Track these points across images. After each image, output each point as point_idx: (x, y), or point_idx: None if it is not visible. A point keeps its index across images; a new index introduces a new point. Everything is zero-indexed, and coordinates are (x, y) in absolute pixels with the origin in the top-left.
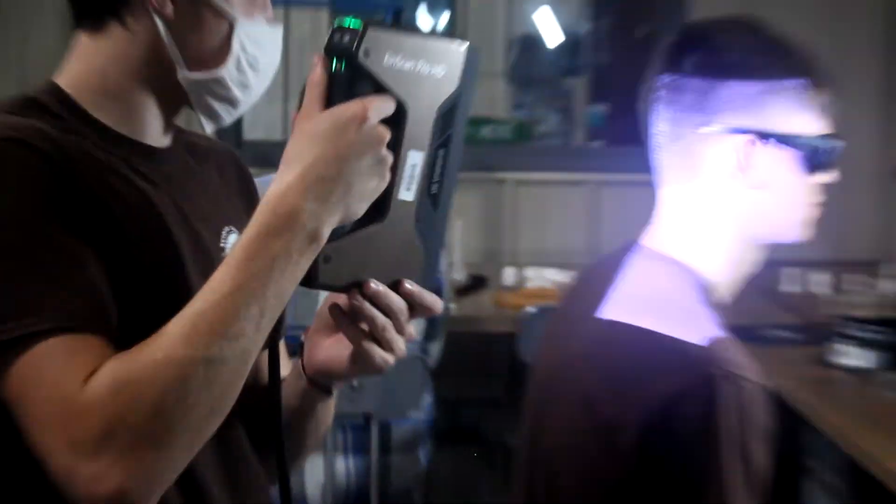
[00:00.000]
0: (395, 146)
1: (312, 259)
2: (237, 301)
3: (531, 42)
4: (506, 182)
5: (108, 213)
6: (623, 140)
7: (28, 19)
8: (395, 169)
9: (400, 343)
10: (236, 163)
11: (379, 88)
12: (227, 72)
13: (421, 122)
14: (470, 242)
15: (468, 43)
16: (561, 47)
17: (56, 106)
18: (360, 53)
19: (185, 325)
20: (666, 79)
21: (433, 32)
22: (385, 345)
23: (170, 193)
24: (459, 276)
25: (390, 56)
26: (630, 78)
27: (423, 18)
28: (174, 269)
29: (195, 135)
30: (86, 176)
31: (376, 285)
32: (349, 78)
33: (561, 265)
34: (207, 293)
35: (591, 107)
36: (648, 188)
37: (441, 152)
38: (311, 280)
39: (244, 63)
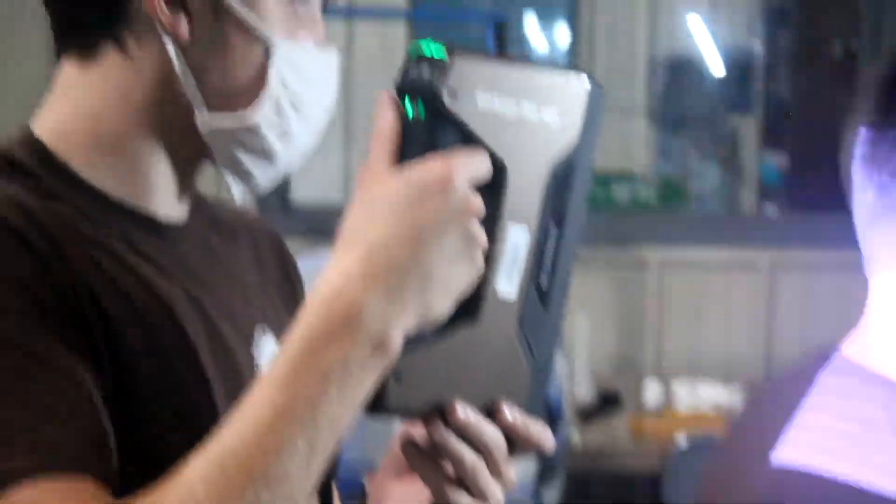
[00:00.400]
0: (491, 221)
1: (378, 375)
2: (279, 433)
3: (682, 66)
4: (648, 262)
5: (101, 312)
6: (809, 203)
7: (5, 43)
8: (492, 251)
9: (496, 491)
10: (275, 243)
11: (469, 140)
12: (262, 115)
13: (526, 187)
14: (599, 346)
15: (591, 78)
16: (723, 75)
17: (33, 164)
18: (445, 93)
19: (209, 467)
20: (871, 129)
21: (543, 62)
22: (476, 492)
23: (184, 283)
24: (584, 392)
25: (485, 96)
26: (819, 116)
27: (534, 35)
28: (190, 386)
29: (220, 206)
30: (73, 261)
31: (464, 411)
32: (430, 126)
33: (723, 378)
34: (238, 422)
35: (765, 156)
36: (848, 272)
37: (553, 229)
38: (377, 404)
39: (285, 103)
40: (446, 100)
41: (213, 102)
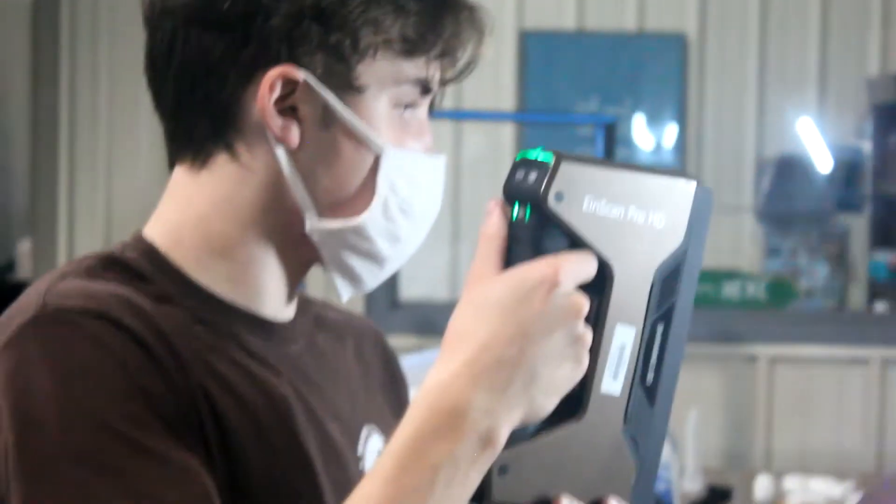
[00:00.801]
0: (597, 320)
1: (484, 469)
2: None
3: (790, 166)
4: (758, 359)
5: (216, 413)
6: None
7: (117, 149)
8: (598, 351)
9: None
10: (379, 343)
11: (576, 243)
12: (371, 220)
13: (633, 288)
14: (709, 440)
15: (697, 181)
16: (832, 173)
17: (146, 267)
18: (551, 197)
19: None
20: None
21: (650, 166)
22: None
23: (293, 383)
24: (694, 485)
25: (591, 200)
26: None
27: (643, 135)
28: (300, 484)
29: (325, 305)
30: (187, 360)
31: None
32: (536, 229)
33: (835, 474)
34: None
35: (875, 254)
36: None
37: (660, 328)
38: (482, 496)
39: (394, 208)
40: (552, 203)
41: (323, 208)
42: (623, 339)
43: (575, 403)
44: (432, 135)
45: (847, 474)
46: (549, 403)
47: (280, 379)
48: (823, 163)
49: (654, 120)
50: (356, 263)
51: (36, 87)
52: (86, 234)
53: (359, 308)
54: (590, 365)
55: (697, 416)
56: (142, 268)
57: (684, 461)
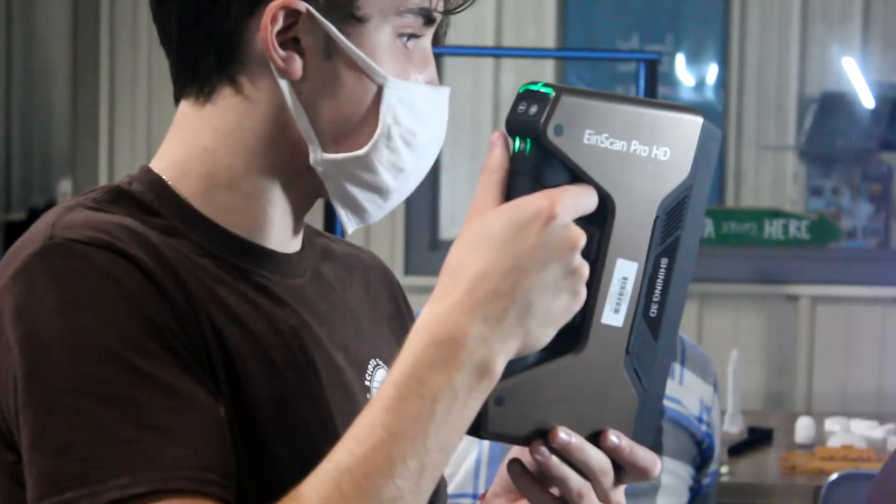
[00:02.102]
0: (599, 253)
1: (483, 398)
2: (391, 453)
3: (833, 104)
4: (799, 299)
5: (223, 343)
6: None
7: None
8: (598, 283)
9: None
10: (387, 277)
11: (576, 176)
12: (375, 151)
13: (635, 222)
14: (749, 382)
15: (706, 116)
16: (876, 111)
17: (152, 199)
18: (550, 129)
19: (325, 486)
20: None
21: (656, 102)
22: None
23: (299, 314)
24: (735, 428)
25: (592, 133)
26: None
27: (684, 73)
28: (307, 413)
29: (333, 239)
30: (193, 291)
31: (567, 435)
32: (536, 162)
33: (876, 416)
34: (352, 444)
35: None
36: None
37: (664, 262)
38: (479, 427)
39: (397, 139)
40: (551, 136)
41: (327, 140)
42: (625, 272)
43: (576, 336)
44: (435, 66)
45: (888, 415)
46: (545, 334)
47: (286, 310)
48: (867, 101)
49: (696, 58)
50: (360, 195)
51: (76, 27)
52: (125, 173)
53: (399, 249)
54: (590, 297)
55: (738, 357)
56: (149, 200)
57: (725, 403)
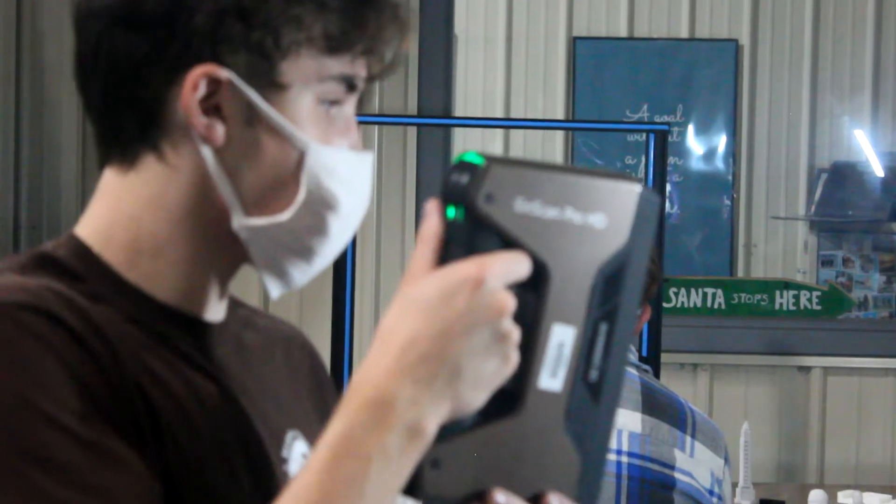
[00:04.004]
0: (535, 318)
1: (416, 460)
2: None
3: (844, 174)
4: (811, 370)
5: (149, 406)
6: None
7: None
8: (533, 348)
9: None
10: (307, 349)
11: (509, 243)
12: (297, 216)
13: (572, 288)
14: (761, 454)
15: (640, 183)
16: (886, 181)
17: (77, 265)
18: (480, 198)
19: None
20: None
21: (592, 170)
22: None
23: (222, 384)
24: (746, 500)
25: (524, 201)
26: None
27: (694, 143)
28: (226, 485)
29: (254, 310)
30: (121, 356)
31: (504, 498)
32: (468, 229)
33: (889, 489)
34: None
35: None
36: None
37: (603, 327)
38: (415, 489)
39: (319, 204)
40: (481, 204)
41: (250, 205)
42: (562, 337)
43: (513, 400)
44: (359, 132)
45: None
46: (476, 398)
47: (209, 379)
48: (877, 171)
49: (706, 128)
50: (284, 260)
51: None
52: None
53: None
54: (525, 361)
55: (749, 429)
56: (74, 266)
57: (736, 475)
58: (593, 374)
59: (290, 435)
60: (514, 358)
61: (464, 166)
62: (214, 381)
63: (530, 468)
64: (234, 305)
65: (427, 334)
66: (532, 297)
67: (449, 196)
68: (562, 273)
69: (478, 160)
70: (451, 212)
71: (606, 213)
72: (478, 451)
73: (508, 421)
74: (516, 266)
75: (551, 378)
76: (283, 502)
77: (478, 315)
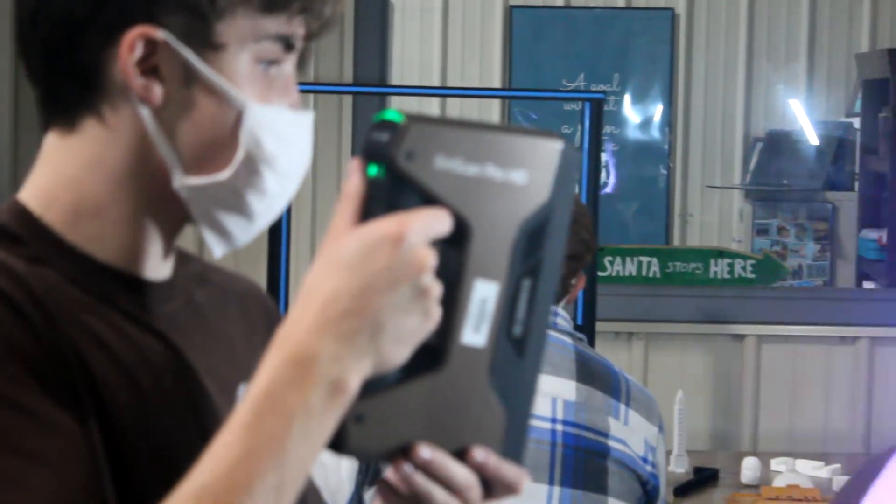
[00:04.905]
0: (457, 274)
1: (339, 416)
2: (250, 470)
3: (779, 143)
4: (745, 338)
5: (88, 372)
6: None
7: None
8: (456, 304)
9: None
10: (264, 303)
11: (430, 200)
12: (237, 175)
13: (494, 244)
14: (695, 421)
15: (562, 140)
16: (820, 150)
17: (19, 229)
18: (401, 155)
19: None
20: None
21: (513, 128)
22: None
23: (169, 341)
24: (680, 468)
25: (444, 158)
26: None
27: (629, 113)
28: (177, 439)
29: (208, 265)
30: (59, 321)
31: (428, 451)
32: (389, 187)
33: (822, 456)
34: (211, 462)
35: (864, 232)
36: None
37: (527, 283)
38: (339, 444)
39: (259, 162)
40: (401, 161)
41: (189, 165)
42: (484, 292)
43: (436, 356)
44: (298, 95)
45: (834, 456)
46: (399, 353)
47: (155, 337)
48: (812, 140)
49: (642, 97)
50: (225, 219)
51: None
52: None
53: None
54: (448, 317)
55: (684, 397)
56: (15, 230)
57: (671, 443)
58: (517, 329)
59: (242, 388)
60: (436, 313)
61: (384, 125)
62: (160, 339)
63: (455, 422)
64: (187, 261)
65: (348, 291)
66: (454, 253)
67: (370, 154)
68: (483, 229)
69: (398, 118)
70: (373, 170)
71: (528, 170)
72: (402, 406)
73: (432, 376)
74: (437, 222)
75: (474, 333)
76: (206, 462)
77: (399, 271)
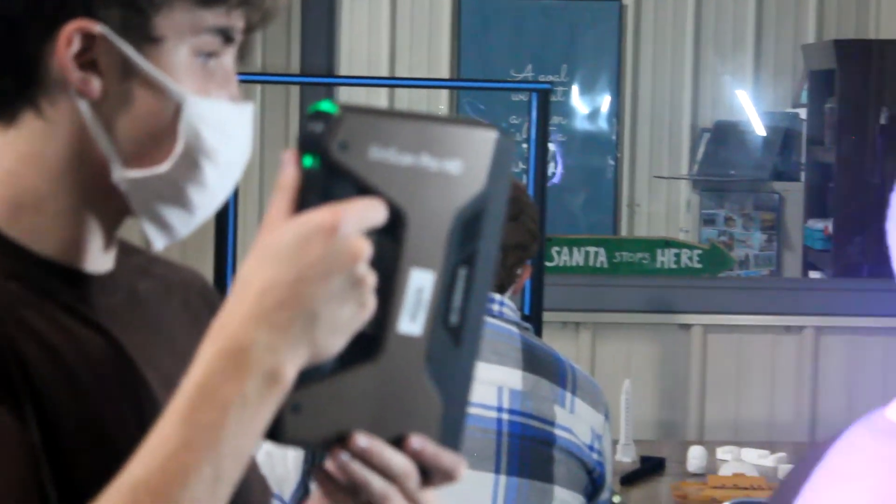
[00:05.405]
0: (393, 264)
1: (275, 406)
2: (186, 462)
3: (726, 133)
4: (692, 328)
5: (24, 364)
6: (854, 270)
7: None
8: (392, 293)
9: None
10: (208, 294)
11: (365, 191)
12: (176, 168)
13: (429, 233)
14: (642, 411)
15: (497, 130)
16: (767, 141)
17: None
18: (334, 146)
19: (122, 499)
20: None
21: (448, 118)
22: None
23: (111, 336)
24: (627, 457)
25: (379, 148)
26: (865, 183)
27: (578, 104)
28: (118, 435)
29: (150, 257)
30: None
31: (365, 440)
32: (324, 178)
33: (767, 445)
34: (147, 456)
35: (810, 222)
36: (892, 336)
37: (463, 272)
38: (276, 434)
39: (198, 155)
40: (335, 152)
41: (128, 158)
42: (421, 281)
43: (373, 345)
44: (237, 87)
45: (780, 444)
46: (334, 343)
47: (95, 331)
48: (759, 130)
49: (590, 88)
50: (165, 212)
51: None
52: None
53: None
54: (383, 306)
55: (631, 387)
56: None
57: (617, 432)
58: (453, 318)
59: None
60: (371, 303)
61: (319, 115)
62: (100, 332)
63: (392, 411)
64: (129, 253)
65: (283, 281)
66: (390, 243)
67: (304, 145)
68: (419, 219)
69: (332, 109)
70: (307, 161)
71: (463, 160)
72: (339, 395)
73: (369, 365)
74: (371, 212)
75: (411, 322)
76: (142, 455)
77: (333, 261)
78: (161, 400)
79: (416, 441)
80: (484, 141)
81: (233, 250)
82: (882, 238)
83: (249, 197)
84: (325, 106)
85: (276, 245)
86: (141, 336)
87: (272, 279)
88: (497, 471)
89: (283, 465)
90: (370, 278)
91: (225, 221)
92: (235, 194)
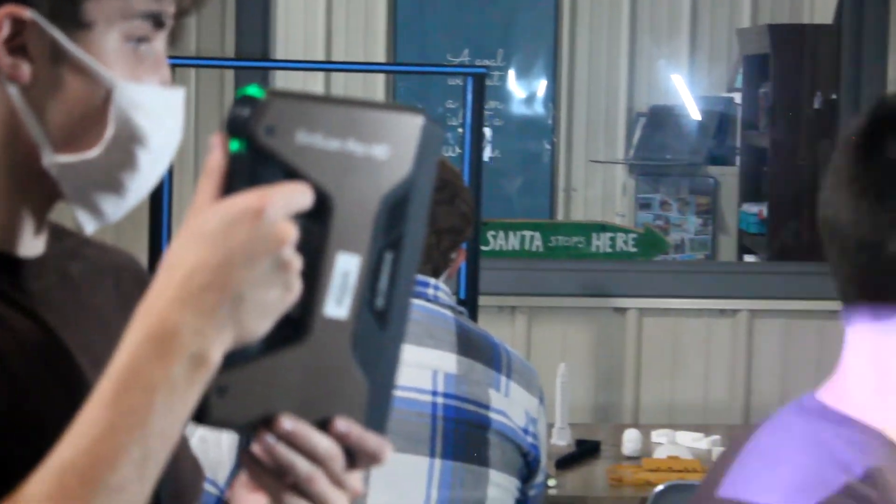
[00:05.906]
0: (319, 248)
1: (202, 389)
2: (112, 444)
3: (662, 118)
4: (627, 311)
5: None
6: (788, 254)
7: None
8: (318, 277)
9: (337, 499)
10: (140, 277)
11: (292, 175)
12: (107, 152)
13: (355, 218)
14: (577, 394)
15: (426, 115)
16: (703, 125)
17: None
18: (261, 130)
19: (48, 482)
20: (857, 175)
21: (375, 103)
22: (316, 500)
23: (42, 319)
24: (562, 441)
25: (305, 133)
26: (799, 168)
27: (514, 88)
28: (49, 420)
29: (82, 240)
30: None
31: (290, 422)
32: (250, 162)
33: (702, 428)
34: (74, 438)
35: (745, 207)
36: (826, 319)
37: (389, 256)
38: (202, 416)
39: (128, 140)
40: (262, 136)
41: (59, 143)
42: (346, 265)
43: (299, 328)
44: (168, 72)
45: (714, 427)
46: (260, 326)
47: (26, 315)
48: (694, 115)
49: (526, 72)
50: (96, 196)
51: None
52: None
53: None
54: (310, 290)
55: (566, 370)
56: None
57: (553, 416)
58: (380, 302)
59: None
60: (297, 286)
61: (246, 100)
62: (31, 317)
63: (318, 394)
64: (61, 237)
65: (209, 264)
66: (316, 227)
67: (231, 129)
68: (345, 203)
69: (259, 94)
70: (234, 145)
71: (390, 145)
72: (265, 377)
73: (295, 348)
74: (298, 196)
75: (337, 306)
76: (69, 438)
77: (259, 245)
78: (93, 383)
79: (342, 424)
80: (411, 126)
81: (167, 233)
82: (816, 221)
83: (184, 180)
84: (252, 90)
85: (202, 228)
86: (73, 319)
87: (198, 262)
88: (432, 454)
89: (217, 449)
90: (296, 262)
91: (159, 204)
92: (170, 177)
